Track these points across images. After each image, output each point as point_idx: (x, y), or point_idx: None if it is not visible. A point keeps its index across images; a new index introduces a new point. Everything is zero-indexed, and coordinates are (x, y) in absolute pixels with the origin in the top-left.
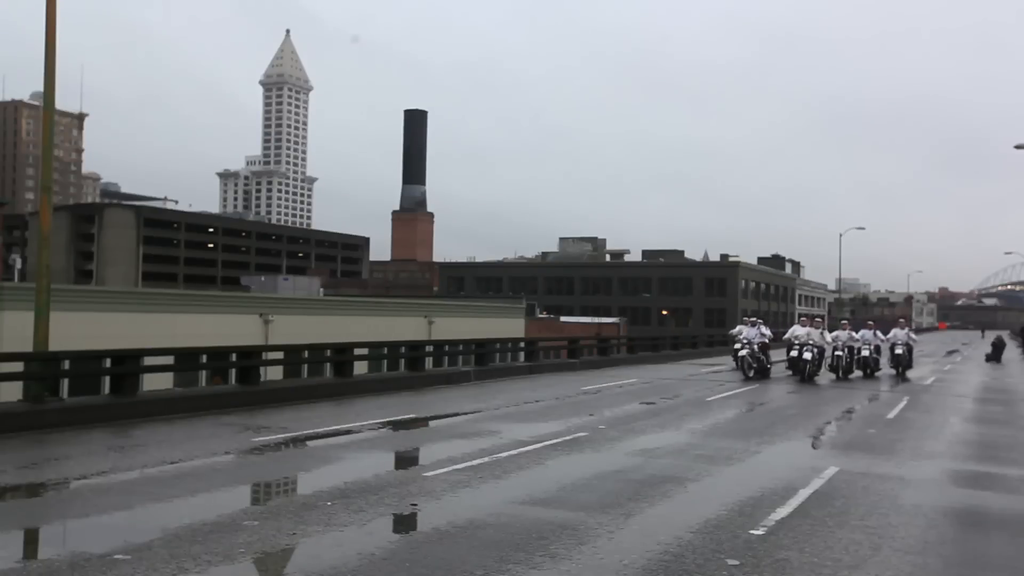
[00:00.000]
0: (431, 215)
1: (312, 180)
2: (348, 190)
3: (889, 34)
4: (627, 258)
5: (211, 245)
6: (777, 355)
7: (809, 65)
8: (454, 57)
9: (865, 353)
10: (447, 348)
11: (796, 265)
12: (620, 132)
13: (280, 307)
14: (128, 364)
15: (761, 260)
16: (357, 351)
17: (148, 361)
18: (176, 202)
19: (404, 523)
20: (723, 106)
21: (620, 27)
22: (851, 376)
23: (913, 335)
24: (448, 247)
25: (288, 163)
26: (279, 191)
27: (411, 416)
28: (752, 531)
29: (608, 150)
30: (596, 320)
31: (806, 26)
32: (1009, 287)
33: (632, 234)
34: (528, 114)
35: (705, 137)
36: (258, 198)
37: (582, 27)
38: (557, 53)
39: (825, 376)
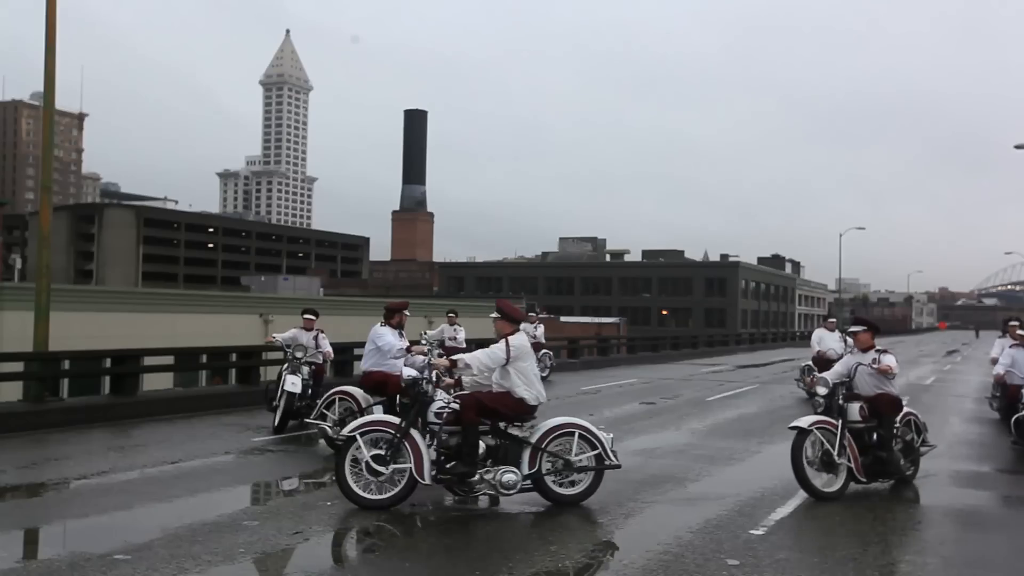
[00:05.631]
0: (431, 215)
1: (312, 180)
2: (348, 190)
3: (880, 27)
4: (627, 258)
5: (211, 245)
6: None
7: (797, 60)
8: (442, 55)
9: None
10: None
11: (796, 265)
12: (606, 130)
13: (280, 307)
14: (128, 364)
15: (761, 260)
16: (357, 351)
17: (148, 361)
18: (176, 202)
19: (404, 523)
20: (708, 102)
21: (597, 20)
22: None
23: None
24: (448, 247)
25: (288, 163)
26: (279, 191)
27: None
28: (752, 531)
29: (595, 148)
30: (596, 320)
31: (792, 18)
32: (1009, 287)
33: (628, 233)
34: (518, 113)
35: (693, 134)
36: (258, 198)
37: (559, 20)
38: (536, 48)
39: None
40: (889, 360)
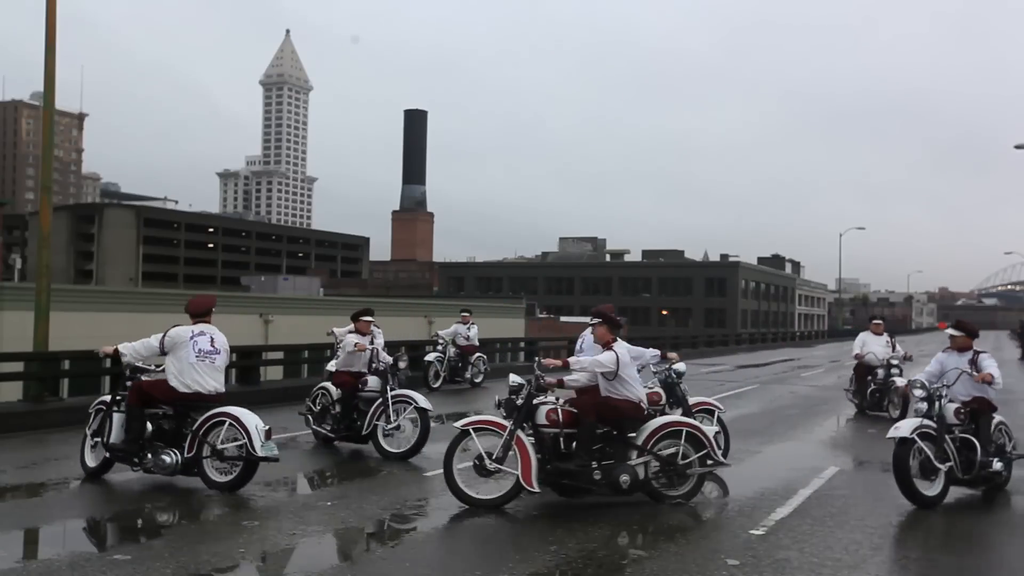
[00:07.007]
0: (431, 215)
1: (312, 180)
2: (348, 190)
3: (879, 26)
4: (627, 258)
5: (211, 245)
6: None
7: (797, 59)
8: (442, 55)
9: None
10: None
11: (796, 265)
12: (605, 129)
13: (280, 307)
14: None
15: (761, 260)
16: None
17: None
18: (176, 202)
19: (405, 522)
20: (708, 101)
21: (597, 19)
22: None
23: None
24: (448, 247)
25: (288, 163)
26: (279, 191)
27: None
28: (752, 531)
29: (595, 147)
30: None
31: (791, 17)
32: (1009, 287)
33: (628, 233)
34: (518, 112)
35: (693, 133)
36: (258, 198)
37: (558, 20)
38: (535, 47)
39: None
40: (602, 357)
